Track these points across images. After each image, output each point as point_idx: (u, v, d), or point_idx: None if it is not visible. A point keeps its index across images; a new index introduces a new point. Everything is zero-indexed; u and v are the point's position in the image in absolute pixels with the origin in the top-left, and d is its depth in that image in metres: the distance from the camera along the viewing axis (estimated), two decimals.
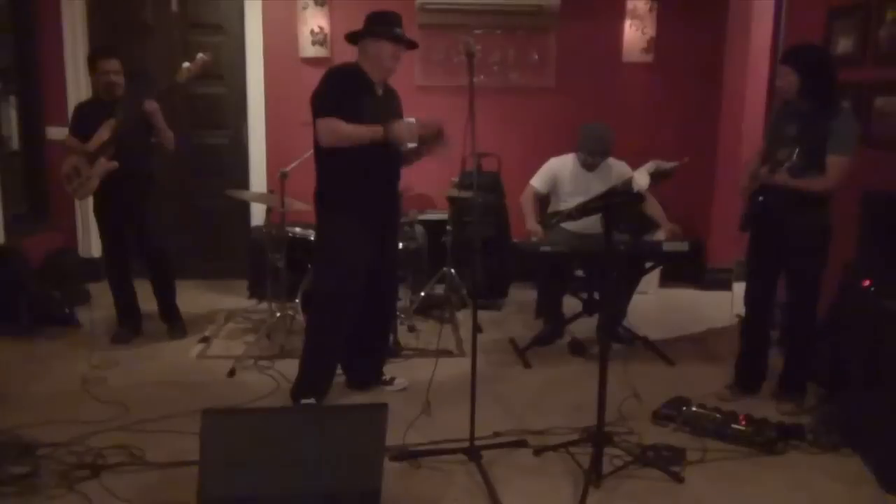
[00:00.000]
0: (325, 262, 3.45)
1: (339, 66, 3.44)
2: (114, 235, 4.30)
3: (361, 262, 3.37)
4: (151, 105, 3.99)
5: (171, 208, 5.47)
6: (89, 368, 3.90)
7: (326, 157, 3.33)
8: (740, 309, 3.74)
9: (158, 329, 4.51)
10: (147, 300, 4.52)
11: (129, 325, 4.41)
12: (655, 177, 2.89)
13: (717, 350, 4.38)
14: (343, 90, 3.27)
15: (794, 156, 3.17)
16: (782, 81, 3.33)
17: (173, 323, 4.51)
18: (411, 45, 3.41)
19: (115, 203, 4.18)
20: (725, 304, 4.46)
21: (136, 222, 4.27)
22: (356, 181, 3.32)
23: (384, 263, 3.49)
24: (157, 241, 4.36)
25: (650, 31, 5.69)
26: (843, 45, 4.12)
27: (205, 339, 4.43)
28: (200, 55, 3.95)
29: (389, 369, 3.79)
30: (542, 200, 4.59)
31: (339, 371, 3.63)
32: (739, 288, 3.76)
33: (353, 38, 3.40)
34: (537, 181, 4.53)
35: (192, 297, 5.26)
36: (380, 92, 3.39)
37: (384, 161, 3.37)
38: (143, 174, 4.21)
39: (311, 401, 3.41)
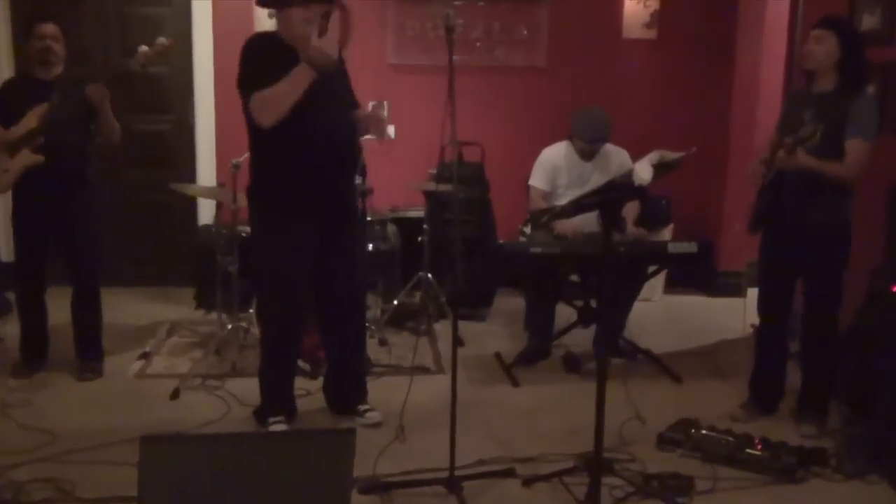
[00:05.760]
0: (257, 265, 3.49)
1: (257, 34, 3.41)
2: (30, 248, 4.03)
3: (295, 264, 3.33)
4: (98, 91, 3.73)
5: (106, 204, 5.41)
6: (10, 390, 3.86)
7: (260, 142, 3.28)
8: (754, 318, 3.78)
9: None
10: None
11: (32, 356, 4.12)
12: (659, 169, 2.90)
13: (729, 365, 4.41)
14: (265, 56, 3.19)
15: (818, 132, 3.20)
16: (818, 47, 3.31)
17: (87, 362, 4.11)
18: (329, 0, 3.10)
19: (37, 211, 3.93)
20: (738, 313, 4.50)
21: (67, 242, 4.02)
22: (290, 170, 3.25)
23: (338, 265, 3.43)
24: (91, 270, 4.08)
25: (653, 3, 5.73)
26: (869, 21, 4.17)
27: (144, 356, 4.39)
28: (161, 39, 3.77)
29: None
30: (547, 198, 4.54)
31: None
32: (753, 294, 3.80)
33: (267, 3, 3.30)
34: (537, 180, 4.51)
35: (129, 307, 5.23)
36: None
37: (326, 146, 3.22)
38: (76, 178, 3.94)
39: (280, 421, 3.42)
